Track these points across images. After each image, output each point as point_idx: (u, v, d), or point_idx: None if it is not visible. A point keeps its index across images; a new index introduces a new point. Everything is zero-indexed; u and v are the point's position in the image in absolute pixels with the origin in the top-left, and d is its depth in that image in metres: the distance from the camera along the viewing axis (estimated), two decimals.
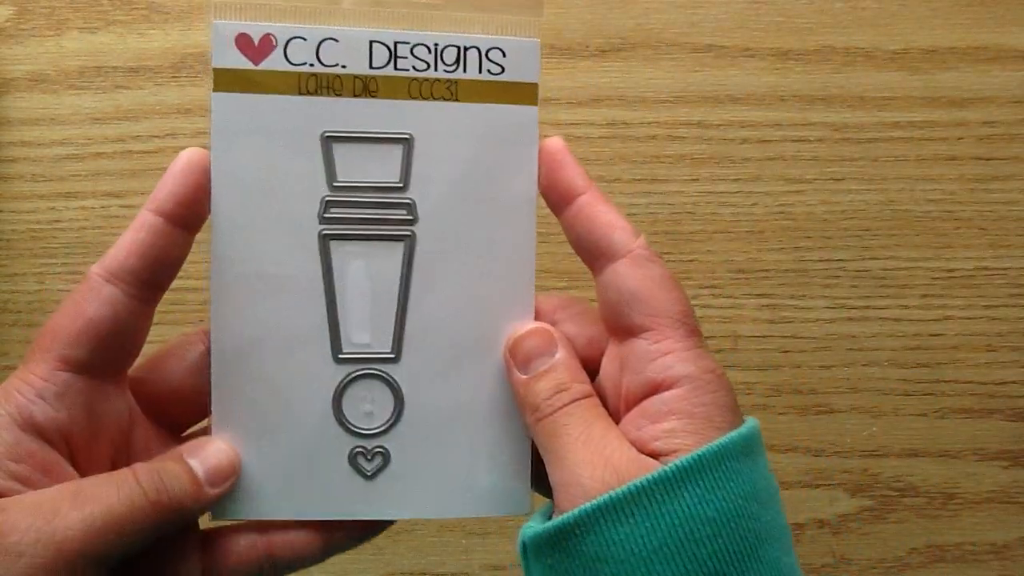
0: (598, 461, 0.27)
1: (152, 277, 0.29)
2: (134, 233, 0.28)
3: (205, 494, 0.28)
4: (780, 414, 0.55)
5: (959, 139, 0.55)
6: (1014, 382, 0.55)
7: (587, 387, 0.29)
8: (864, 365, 0.55)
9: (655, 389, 0.28)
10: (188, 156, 0.29)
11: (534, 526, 0.27)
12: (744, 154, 0.55)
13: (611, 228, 0.29)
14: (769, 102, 0.55)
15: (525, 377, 0.30)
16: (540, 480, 0.31)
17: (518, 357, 0.30)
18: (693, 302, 0.30)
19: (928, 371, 0.55)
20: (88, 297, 0.28)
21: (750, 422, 0.28)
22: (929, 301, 0.55)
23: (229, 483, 0.29)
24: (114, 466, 0.29)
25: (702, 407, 0.27)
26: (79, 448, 0.28)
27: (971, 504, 0.55)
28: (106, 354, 0.28)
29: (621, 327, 0.29)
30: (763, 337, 0.55)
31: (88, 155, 0.55)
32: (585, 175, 0.30)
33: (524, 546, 0.28)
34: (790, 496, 0.54)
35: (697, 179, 0.55)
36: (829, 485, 0.55)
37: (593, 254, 0.30)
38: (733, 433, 0.27)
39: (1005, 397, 0.55)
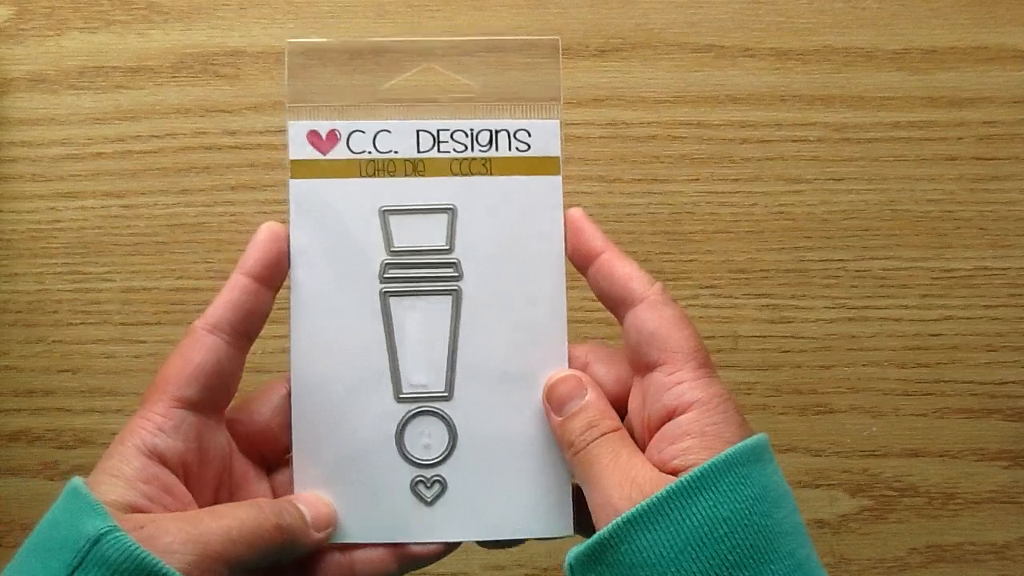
0: (625, 482, 0.31)
1: (245, 328, 0.34)
2: (229, 293, 0.34)
3: (312, 536, 0.33)
4: (780, 414, 0.55)
5: (959, 139, 0.55)
6: (1014, 382, 0.55)
7: (615, 422, 0.33)
8: (864, 365, 0.55)
9: (671, 415, 0.32)
10: (269, 227, 0.35)
11: (576, 548, 0.31)
12: (744, 154, 0.55)
13: (628, 279, 0.34)
14: (769, 102, 0.55)
15: (560, 419, 0.34)
16: (581, 524, 0.35)
17: (553, 401, 0.34)
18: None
19: (928, 371, 0.55)
20: (195, 347, 0.33)
21: (758, 435, 0.32)
22: (929, 301, 0.55)
23: (328, 532, 0.34)
24: (218, 493, 0.34)
25: (713, 426, 0.31)
26: (192, 475, 0.33)
27: (971, 504, 0.55)
28: (212, 393, 0.33)
29: (642, 364, 0.33)
30: (763, 337, 0.55)
31: (88, 155, 0.55)
32: (603, 237, 0.35)
33: (571, 567, 0.31)
34: None
35: (697, 179, 0.55)
36: (829, 485, 0.55)
37: (615, 303, 0.34)
38: (740, 444, 0.30)
39: (1005, 397, 0.55)
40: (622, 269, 0.34)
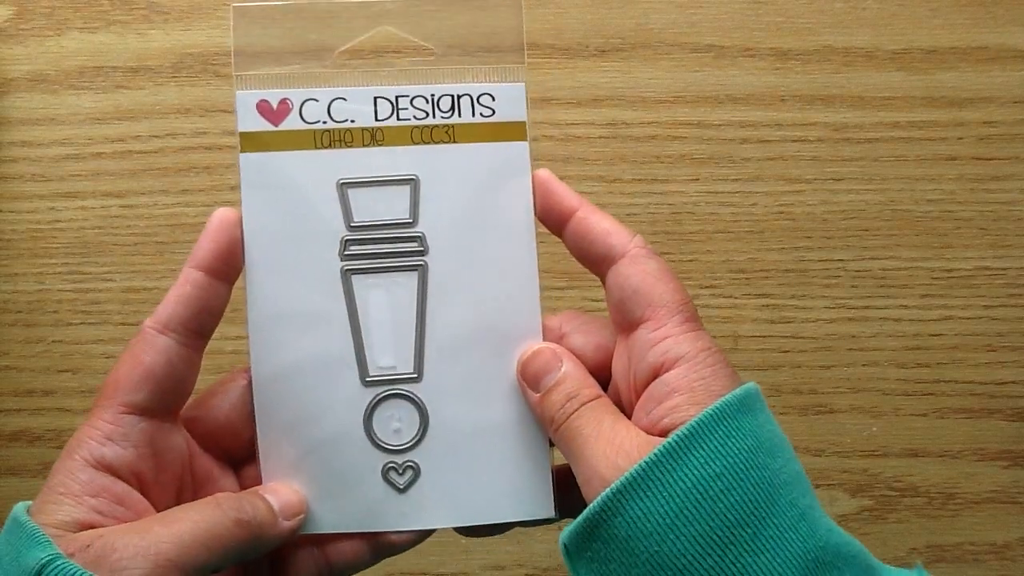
0: (611, 450, 0.29)
1: (199, 326, 0.32)
2: (180, 288, 0.32)
3: (280, 525, 0.31)
4: (780, 414, 0.55)
5: (959, 139, 0.55)
6: (1014, 382, 0.55)
7: (595, 390, 0.31)
8: (864, 365, 0.55)
9: (657, 372, 0.30)
10: (221, 215, 0.32)
11: (568, 527, 0.29)
12: (744, 154, 0.55)
13: (607, 234, 0.32)
14: (769, 102, 0.55)
15: (538, 395, 0.32)
16: (569, 508, 0.33)
17: (528, 377, 0.33)
18: (693, 302, 0.31)
19: (928, 371, 0.55)
20: (144, 348, 0.31)
21: (747, 384, 0.30)
22: (929, 301, 0.55)
23: (299, 519, 0.32)
24: (180, 495, 0.32)
25: (700, 381, 0.29)
26: (148, 482, 0.31)
27: (971, 504, 0.55)
28: (163, 397, 0.31)
29: (626, 322, 0.32)
30: (763, 337, 0.55)
31: (88, 155, 0.55)
32: (575, 194, 0.33)
33: (566, 548, 0.29)
34: None
35: (697, 179, 0.55)
36: (829, 485, 0.55)
37: (595, 261, 0.32)
38: (728, 396, 0.29)
39: (1005, 397, 0.55)
40: (599, 225, 0.32)
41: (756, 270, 0.55)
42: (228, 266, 0.32)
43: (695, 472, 0.28)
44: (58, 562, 0.27)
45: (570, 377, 0.32)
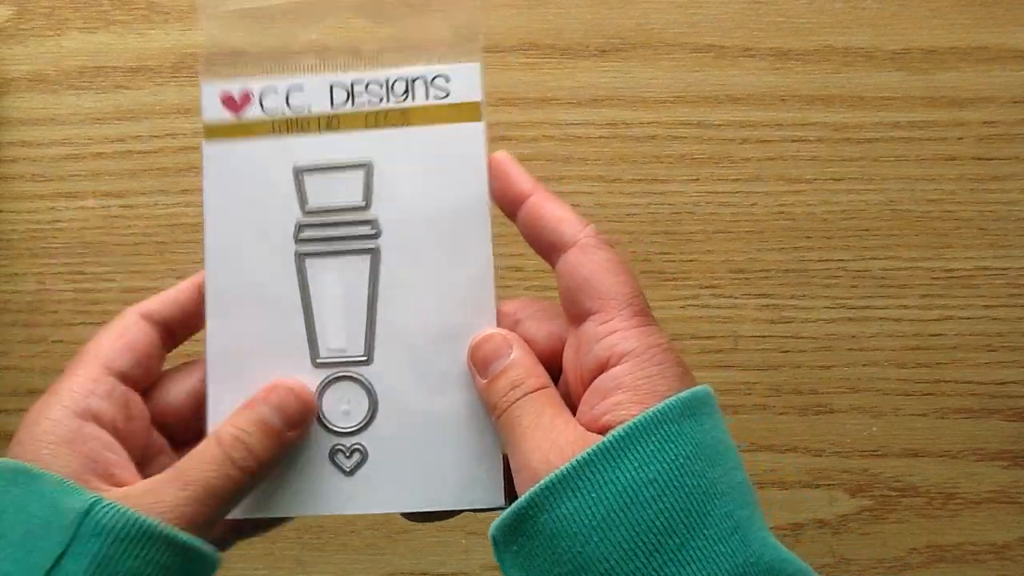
0: (545, 446, 0.29)
1: (178, 327, 0.34)
2: (177, 292, 0.34)
3: (287, 438, 0.32)
4: (780, 414, 0.55)
5: (959, 139, 0.55)
6: (1014, 382, 0.55)
7: (540, 380, 0.31)
8: (864, 365, 0.55)
9: (603, 367, 0.29)
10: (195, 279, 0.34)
11: (498, 519, 0.29)
12: (744, 154, 0.55)
13: (559, 222, 0.32)
14: (769, 102, 0.55)
15: (485, 381, 0.31)
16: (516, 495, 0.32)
17: (477, 362, 0.32)
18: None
19: (928, 371, 0.55)
20: (127, 325, 0.33)
21: (696, 388, 0.29)
22: (929, 301, 0.55)
23: (306, 424, 0.33)
24: (140, 464, 0.32)
25: (646, 379, 0.29)
26: (122, 441, 0.32)
27: (971, 504, 0.55)
28: (138, 370, 0.32)
29: (575, 313, 0.31)
30: (763, 337, 0.55)
31: (88, 155, 0.55)
32: (531, 179, 0.33)
33: (494, 540, 0.29)
34: (790, 496, 0.54)
35: (697, 179, 0.55)
36: (829, 485, 0.55)
37: (546, 248, 0.32)
38: (672, 398, 0.28)
39: (1005, 397, 0.55)
40: (552, 211, 0.32)
41: (756, 270, 0.55)
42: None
43: (626, 476, 0.27)
44: (106, 501, 0.28)
45: (518, 365, 0.31)
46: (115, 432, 0.31)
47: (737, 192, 0.55)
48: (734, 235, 0.55)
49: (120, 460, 0.30)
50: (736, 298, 0.55)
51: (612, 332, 0.30)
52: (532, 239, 0.32)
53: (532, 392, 0.30)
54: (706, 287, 0.55)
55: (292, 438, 0.32)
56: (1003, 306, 0.55)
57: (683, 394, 0.28)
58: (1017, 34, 0.56)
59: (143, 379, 0.33)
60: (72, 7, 0.55)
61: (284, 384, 0.32)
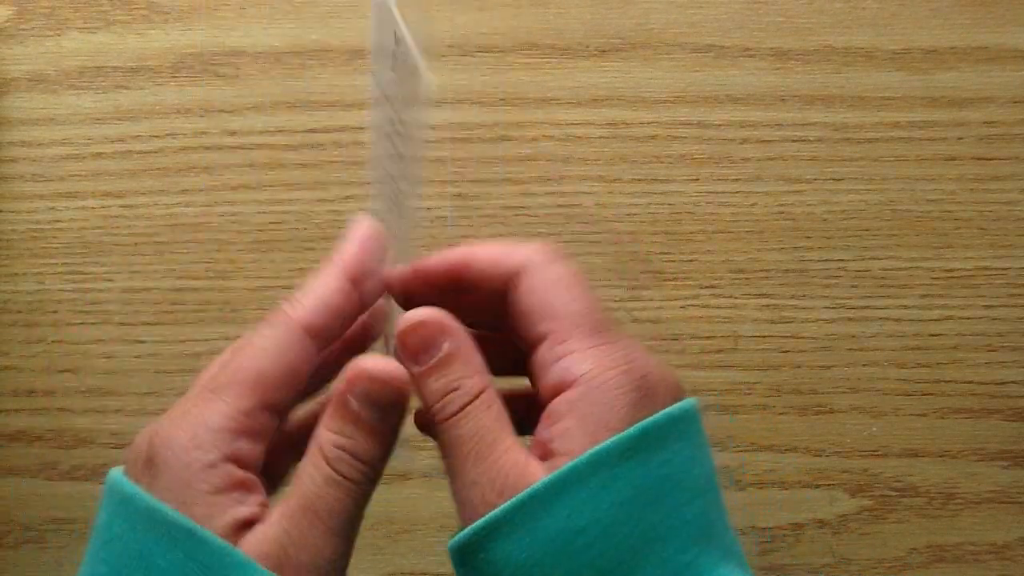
0: (484, 480, 0.27)
1: (330, 342, 0.30)
2: (331, 296, 0.29)
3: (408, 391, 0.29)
4: (780, 414, 0.55)
5: (959, 139, 0.55)
6: (1014, 382, 0.55)
7: (480, 380, 0.28)
8: (864, 365, 0.55)
9: (557, 392, 0.28)
10: (365, 225, 0.30)
11: (452, 539, 0.28)
12: (744, 154, 0.55)
13: (492, 262, 0.29)
14: (769, 102, 0.55)
15: (417, 370, 0.29)
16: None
17: (407, 351, 0.29)
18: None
19: (928, 371, 0.55)
20: (291, 343, 0.28)
21: (656, 416, 0.27)
22: (929, 301, 0.55)
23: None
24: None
25: (594, 407, 0.27)
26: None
27: (971, 504, 0.55)
28: (296, 401, 0.29)
29: (530, 340, 0.29)
30: (763, 337, 0.55)
31: (88, 155, 0.55)
32: (435, 258, 0.30)
33: (451, 554, 0.28)
34: (790, 496, 0.54)
35: (697, 179, 0.55)
36: (829, 485, 0.55)
37: (498, 299, 0.29)
38: (612, 440, 0.26)
39: (1005, 397, 0.55)
40: (484, 255, 0.29)
41: (756, 270, 0.55)
42: (366, 278, 0.30)
43: (558, 523, 0.26)
44: None
45: (454, 360, 0.28)
46: (254, 471, 0.28)
47: (737, 192, 0.55)
48: (734, 235, 0.55)
49: (260, 497, 0.28)
50: (736, 298, 0.55)
51: (565, 355, 0.28)
52: (477, 304, 0.29)
53: (472, 400, 0.28)
54: (706, 287, 0.55)
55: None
56: (1003, 306, 0.55)
57: (630, 431, 0.26)
58: (1017, 34, 0.56)
59: (292, 406, 0.30)
60: (72, 7, 0.55)
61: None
